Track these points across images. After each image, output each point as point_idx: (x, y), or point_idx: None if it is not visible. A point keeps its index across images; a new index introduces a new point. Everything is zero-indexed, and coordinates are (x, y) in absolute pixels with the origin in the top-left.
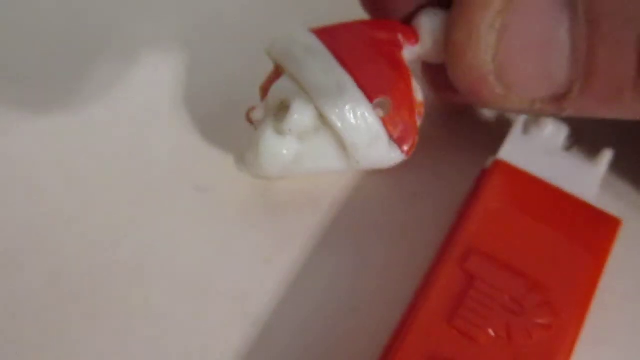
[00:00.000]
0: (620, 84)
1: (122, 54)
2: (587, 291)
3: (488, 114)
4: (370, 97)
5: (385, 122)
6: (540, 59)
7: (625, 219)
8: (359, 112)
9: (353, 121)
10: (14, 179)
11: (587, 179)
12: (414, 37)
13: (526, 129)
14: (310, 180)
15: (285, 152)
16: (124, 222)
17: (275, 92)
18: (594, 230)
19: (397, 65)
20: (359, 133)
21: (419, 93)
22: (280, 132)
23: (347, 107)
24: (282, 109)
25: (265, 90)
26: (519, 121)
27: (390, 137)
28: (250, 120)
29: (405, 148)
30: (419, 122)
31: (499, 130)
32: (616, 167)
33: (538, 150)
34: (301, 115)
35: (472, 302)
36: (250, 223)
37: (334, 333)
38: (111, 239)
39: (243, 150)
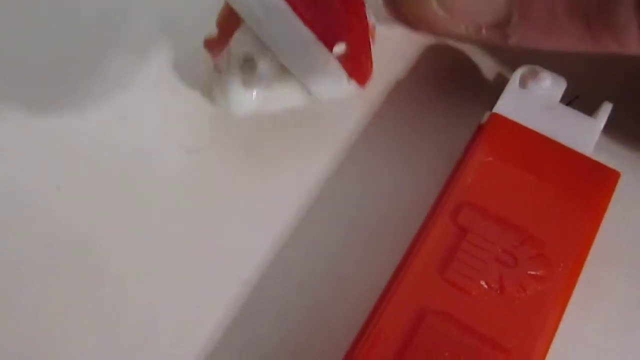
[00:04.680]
0: (553, 8)
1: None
2: (583, 244)
3: (486, 70)
4: (329, 46)
5: (343, 64)
6: None
7: (624, 172)
8: (319, 62)
9: (314, 71)
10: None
11: (585, 133)
12: None
13: (523, 83)
14: (301, 140)
15: (253, 98)
16: (116, 189)
17: (238, 45)
18: (592, 182)
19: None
20: (321, 80)
21: (371, 17)
22: (247, 84)
23: (308, 59)
24: (247, 61)
25: (221, 27)
26: (516, 75)
27: (349, 76)
28: (208, 48)
29: (363, 83)
30: (372, 46)
31: (498, 86)
32: (615, 121)
33: (535, 104)
34: (267, 72)
35: (464, 255)
36: (241, 184)
37: (326, 291)
38: (104, 205)
39: (210, 86)
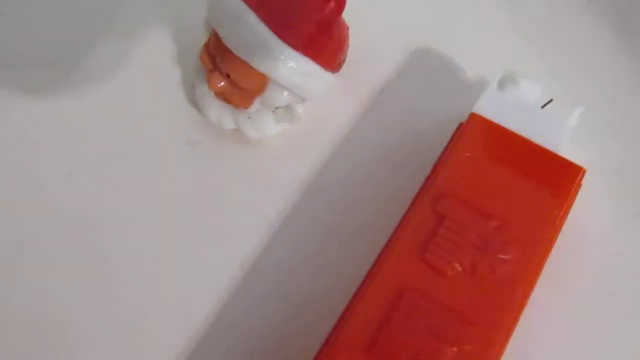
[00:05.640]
0: None
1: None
2: (550, 232)
3: (469, 73)
4: (295, 48)
5: (314, 59)
6: None
7: (591, 168)
8: (289, 64)
9: (286, 72)
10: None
11: (556, 133)
12: None
13: (502, 86)
14: (295, 135)
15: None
16: (121, 175)
17: (274, 100)
18: (559, 177)
19: None
20: (295, 80)
21: None
22: (278, 121)
23: (278, 62)
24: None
25: (206, 60)
26: (495, 79)
27: (322, 68)
28: (205, 63)
29: (335, 69)
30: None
31: (480, 88)
32: (587, 123)
33: (512, 105)
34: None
35: (441, 240)
36: (238, 173)
37: (314, 275)
38: (110, 189)
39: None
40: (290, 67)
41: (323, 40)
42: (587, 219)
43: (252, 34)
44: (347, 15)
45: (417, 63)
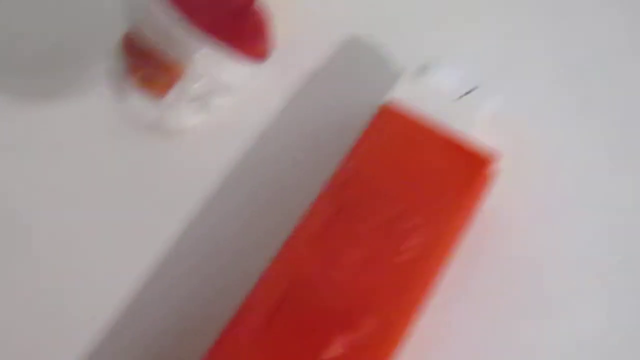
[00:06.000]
0: None
1: None
2: (457, 219)
3: (396, 63)
4: (210, 36)
5: (231, 48)
6: None
7: (507, 156)
8: (204, 53)
9: (201, 61)
10: None
11: (471, 121)
12: None
13: (419, 74)
14: (217, 126)
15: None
16: (42, 165)
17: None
18: (469, 165)
19: None
20: (210, 70)
21: None
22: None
23: (193, 51)
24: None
25: (126, 50)
26: (412, 67)
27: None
28: (125, 52)
29: (257, 59)
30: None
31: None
32: (505, 111)
33: (427, 94)
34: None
35: (341, 228)
36: (159, 163)
37: (230, 264)
38: (30, 179)
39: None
40: (205, 55)
41: (239, 29)
42: (504, 205)
43: (166, 22)
44: (274, 5)
45: (344, 53)
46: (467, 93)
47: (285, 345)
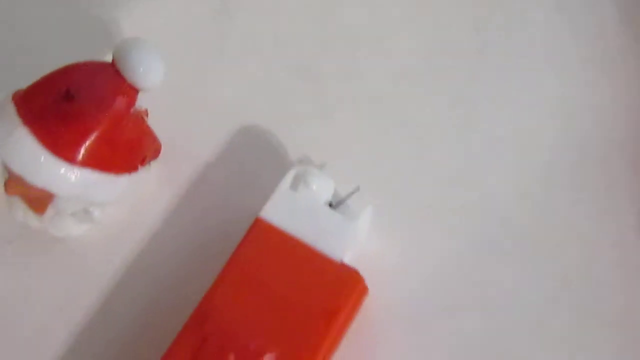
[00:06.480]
0: None
1: None
2: (316, 350)
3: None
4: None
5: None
6: None
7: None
8: (66, 178)
9: (64, 186)
10: None
11: (343, 235)
12: None
13: (295, 185)
14: (105, 230)
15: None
16: None
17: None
18: (336, 287)
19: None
20: (76, 192)
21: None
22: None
23: (53, 178)
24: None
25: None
26: (288, 177)
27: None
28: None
29: (131, 169)
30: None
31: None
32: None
33: (301, 207)
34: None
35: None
36: (48, 270)
37: None
38: None
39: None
40: (67, 180)
41: (104, 149)
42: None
43: (24, 150)
44: (163, 105)
45: (233, 150)
46: (350, 195)
47: None
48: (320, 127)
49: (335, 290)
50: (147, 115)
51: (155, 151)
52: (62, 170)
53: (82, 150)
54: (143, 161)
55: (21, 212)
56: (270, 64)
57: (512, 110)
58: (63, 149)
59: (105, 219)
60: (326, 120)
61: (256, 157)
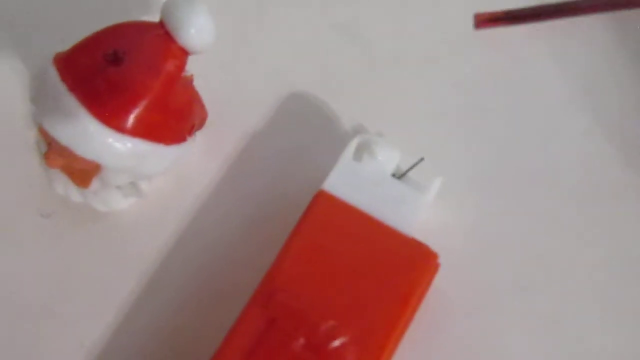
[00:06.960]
0: None
1: None
2: (394, 329)
3: (344, 122)
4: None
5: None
6: None
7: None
8: (116, 149)
9: (114, 158)
10: None
11: (412, 208)
12: None
13: (357, 156)
14: (150, 205)
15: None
16: None
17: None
18: (409, 265)
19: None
20: (126, 163)
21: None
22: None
23: (104, 148)
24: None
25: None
26: (350, 147)
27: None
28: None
29: (180, 140)
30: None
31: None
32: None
33: (366, 179)
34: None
35: (270, 345)
36: (90, 247)
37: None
38: None
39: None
40: (118, 151)
41: (155, 118)
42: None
43: (72, 120)
44: (208, 71)
45: (283, 118)
46: (414, 166)
47: None
48: (374, 92)
49: (409, 268)
50: (192, 81)
51: (202, 120)
52: (113, 141)
53: (133, 119)
54: (191, 130)
55: (62, 185)
56: (317, 23)
57: None
58: (113, 117)
59: (151, 192)
60: (379, 84)
61: (307, 126)
